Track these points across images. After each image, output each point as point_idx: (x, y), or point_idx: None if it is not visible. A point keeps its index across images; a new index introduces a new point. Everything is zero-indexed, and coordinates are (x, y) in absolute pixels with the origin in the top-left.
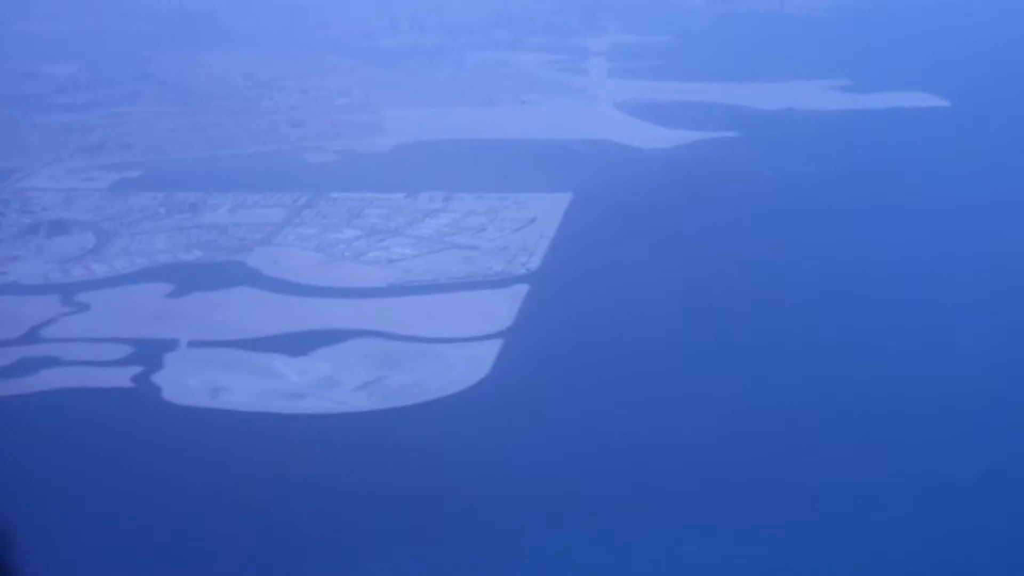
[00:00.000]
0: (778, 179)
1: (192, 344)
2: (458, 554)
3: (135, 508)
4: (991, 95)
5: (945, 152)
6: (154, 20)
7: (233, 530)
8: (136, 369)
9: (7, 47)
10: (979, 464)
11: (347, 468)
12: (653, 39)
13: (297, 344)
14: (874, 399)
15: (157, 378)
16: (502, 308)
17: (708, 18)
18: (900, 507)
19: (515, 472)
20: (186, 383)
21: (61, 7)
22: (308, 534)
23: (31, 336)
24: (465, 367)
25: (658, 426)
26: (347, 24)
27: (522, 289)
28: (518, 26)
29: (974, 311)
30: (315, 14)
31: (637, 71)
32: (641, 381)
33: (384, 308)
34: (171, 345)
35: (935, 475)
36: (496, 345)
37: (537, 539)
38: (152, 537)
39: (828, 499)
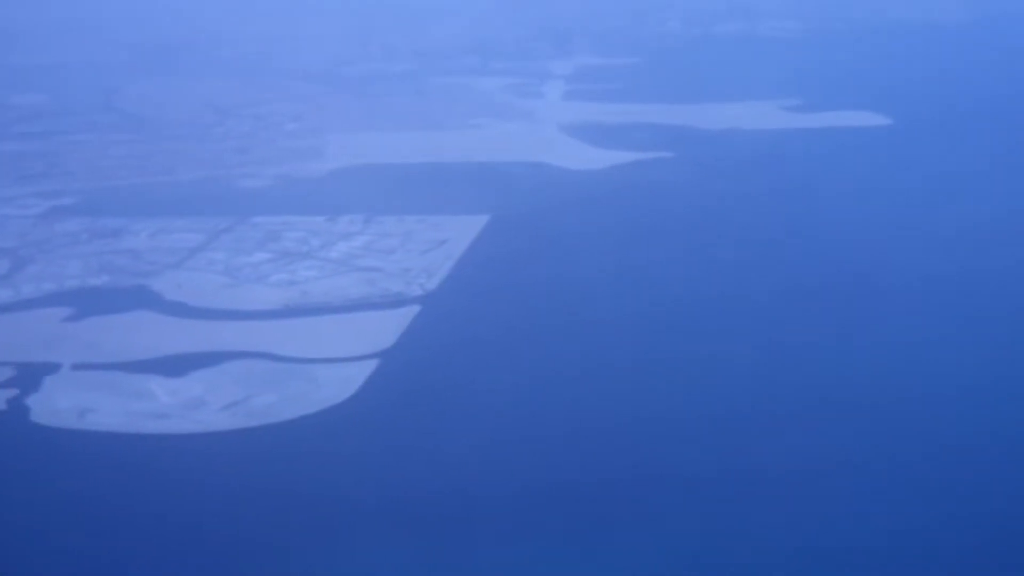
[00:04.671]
0: (702, 197)
1: (75, 367)
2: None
3: None
4: (935, 113)
5: (878, 168)
6: (134, 51)
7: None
8: (12, 392)
9: None
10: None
11: (201, 484)
12: (620, 61)
13: (177, 366)
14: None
15: (30, 400)
16: (387, 329)
17: (682, 40)
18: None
19: (364, 492)
20: (56, 405)
21: (43, 39)
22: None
23: None
24: (334, 387)
25: (517, 446)
26: (321, 51)
27: (413, 310)
28: (491, 51)
29: (905, 327)
30: (292, 42)
31: (593, 93)
32: (517, 405)
33: (271, 330)
34: (53, 368)
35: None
36: (371, 365)
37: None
38: None
39: None
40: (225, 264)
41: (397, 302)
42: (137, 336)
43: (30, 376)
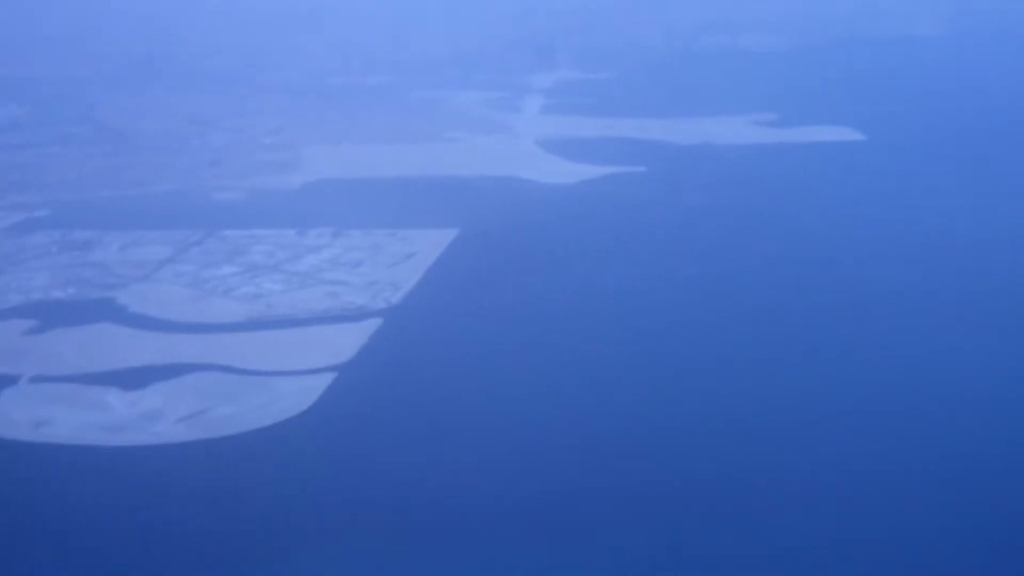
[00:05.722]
0: (669, 212)
1: (33, 379)
2: None
3: None
4: (909, 129)
5: (849, 184)
6: (115, 64)
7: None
8: None
9: None
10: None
11: (152, 494)
12: (601, 75)
13: (136, 378)
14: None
15: None
16: (348, 342)
17: (664, 54)
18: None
19: (316, 502)
20: (11, 417)
21: (24, 50)
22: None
23: None
24: (291, 399)
25: (471, 465)
26: (302, 64)
27: (375, 323)
28: (472, 64)
29: (872, 344)
30: (273, 55)
31: (571, 107)
32: (472, 420)
33: (233, 342)
34: (11, 381)
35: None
36: (329, 378)
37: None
38: None
39: None
40: (192, 277)
41: (360, 315)
42: (98, 348)
43: None
